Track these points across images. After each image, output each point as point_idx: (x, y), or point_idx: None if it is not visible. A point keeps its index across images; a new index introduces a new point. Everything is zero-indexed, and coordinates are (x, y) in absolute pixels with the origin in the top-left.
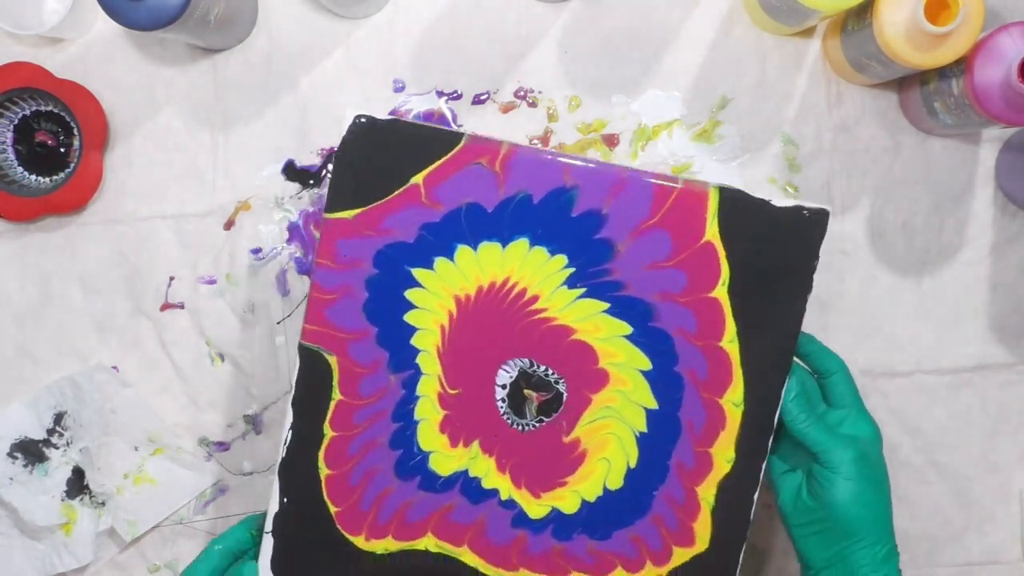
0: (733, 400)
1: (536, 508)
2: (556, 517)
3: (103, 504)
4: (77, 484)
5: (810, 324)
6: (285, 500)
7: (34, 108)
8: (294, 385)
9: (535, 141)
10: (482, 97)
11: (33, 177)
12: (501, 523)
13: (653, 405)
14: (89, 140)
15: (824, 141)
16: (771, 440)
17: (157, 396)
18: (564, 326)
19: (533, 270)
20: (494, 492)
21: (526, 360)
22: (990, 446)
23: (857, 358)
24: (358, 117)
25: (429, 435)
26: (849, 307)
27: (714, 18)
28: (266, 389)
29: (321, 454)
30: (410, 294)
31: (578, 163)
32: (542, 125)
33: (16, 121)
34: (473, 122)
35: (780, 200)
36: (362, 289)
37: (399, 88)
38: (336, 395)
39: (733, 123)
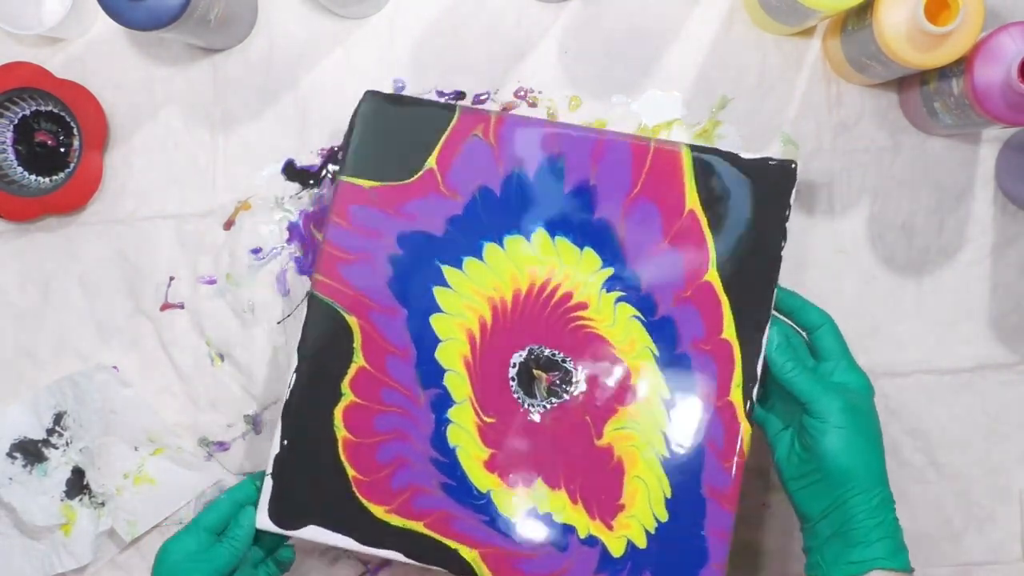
0: (736, 383)
1: (614, 542)
2: (632, 554)
3: (103, 504)
4: (77, 484)
5: None
6: (286, 443)
7: (34, 108)
8: (303, 330)
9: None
10: (482, 97)
11: (33, 177)
12: (587, 565)
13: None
14: (89, 140)
15: (824, 141)
16: (755, 388)
17: (157, 396)
18: (603, 337)
19: (572, 268)
20: (571, 529)
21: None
22: (990, 446)
23: (857, 358)
24: (369, 92)
25: (478, 473)
26: (849, 307)
27: (714, 18)
28: (266, 389)
29: (338, 412)
30: (439, 293)
31: (559, 130)
32: None
33: (16, 121)
34: None
35: (747, 153)
36: (385, 263)
37: (399, 88)
38: (359, 359)
39: (733, 123)
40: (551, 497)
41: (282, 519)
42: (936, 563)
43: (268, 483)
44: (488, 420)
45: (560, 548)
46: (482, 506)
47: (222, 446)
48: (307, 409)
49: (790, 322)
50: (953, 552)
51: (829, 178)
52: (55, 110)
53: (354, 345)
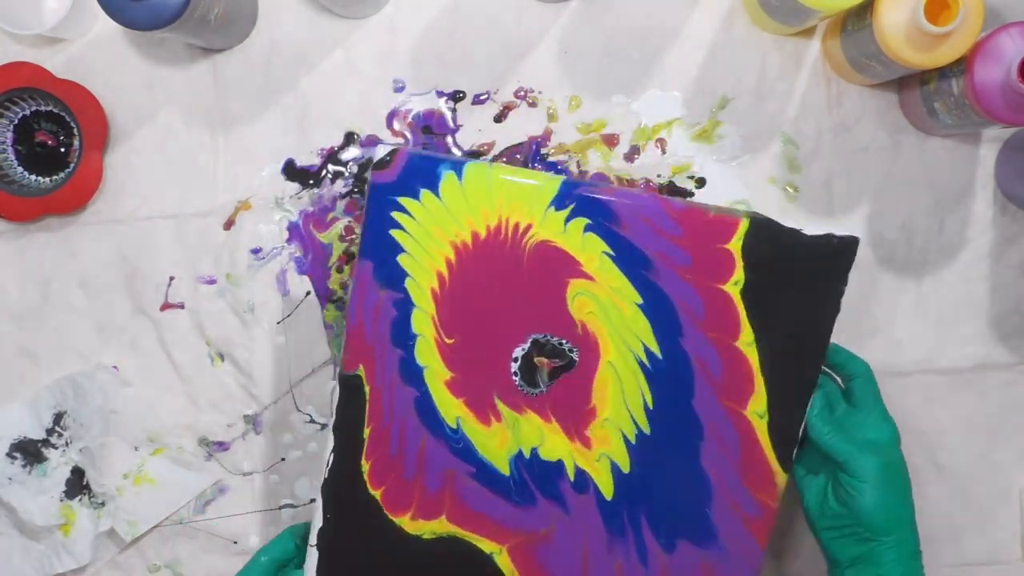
0: (757, 411)
1: (599, 471)
2: (623, 487)
3: (103, 504)
4: (76, 484)
5: None
6: (328, 517)
7: (34, 108)
8: (336, 411)
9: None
10: (482, 97)
11: (33, 177)
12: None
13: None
14: (89, 140)
15: (824, 141)
16: (795, 450)
17: (157, 396)
18: (568, 253)
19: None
20: (560, 469)
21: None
22: (990, 446)
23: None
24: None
25: (445, 399)
26: (849, 307)
27: (714, 18)
28: (266, 389)
29: (363, 458)
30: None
31: (611, 198)
32: (542, 125)
33: (16, 121)
34: (473, 122)
35: (811, 228)
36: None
37: (399, 88)
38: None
39: (733, 123)
40: (525, 425)
41: None
42: (936, 563)
43: (313, 553)
44: (449, 341)
45: (561, 504)
46: (460, 449)
47: (222, 446)
48: (345, 478)
49: (829, 371)
50: (953, 552)
51: (829, 178)
52: (55, 110)
53: (364, 387)
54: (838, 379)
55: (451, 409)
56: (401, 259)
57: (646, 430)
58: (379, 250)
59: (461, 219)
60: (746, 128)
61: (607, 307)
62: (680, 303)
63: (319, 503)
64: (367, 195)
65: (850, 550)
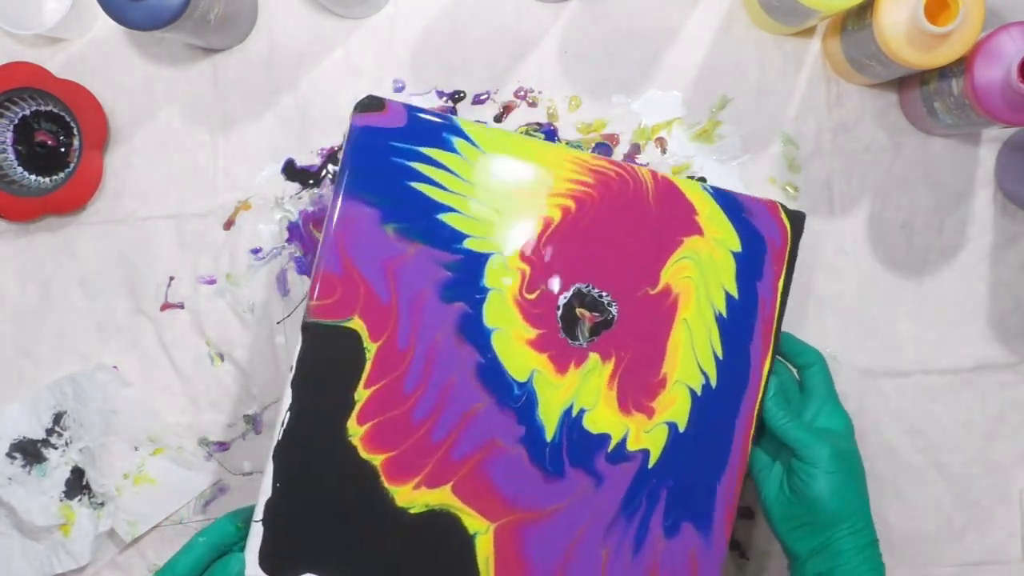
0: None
1: (643, 437)
2: (669, 450)
3: (103, 505)
4: (76, 485)
5: (810, 323)
6: (278, 485)
7: (34, 108)
8: (297, 365)
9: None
10: (482, 97)
11: (33, 177)
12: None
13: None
14: (89, 140)
15: (824, 141)
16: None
17: (157, 396)
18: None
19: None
20: (602, 439)
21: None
22: (990, 446)
23: (857, 358)
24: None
25: (517, 357)
26: (849, 307)
27: (714, 18)
28: (266, 389)
29: (352, 421)
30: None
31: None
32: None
33: (16, 121)
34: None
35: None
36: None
37: (399, 88)
38: (371, 349)
39: (733, 123)
40: (595, 380)
41: (275, 569)
42: (936, 563)
43: (257, 530)
44: (530, 296)
45: (592, 474)
46: (519, 408)
47: (222, 446)
48: (310, 440)
49: (782, 360)
50: (953, 552)
51: (829, 178)
52: (55, 110)
53: (363, 345)
54: (792, 368)
55: (527, 363)
56: (448, 218)
57: (713, 382)
58: (393, 201)
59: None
60: (746, 128)
61: (704, 264)
62: (770, 242)
63: (268, 472)
64: (348, 138)
65: (807, 542)
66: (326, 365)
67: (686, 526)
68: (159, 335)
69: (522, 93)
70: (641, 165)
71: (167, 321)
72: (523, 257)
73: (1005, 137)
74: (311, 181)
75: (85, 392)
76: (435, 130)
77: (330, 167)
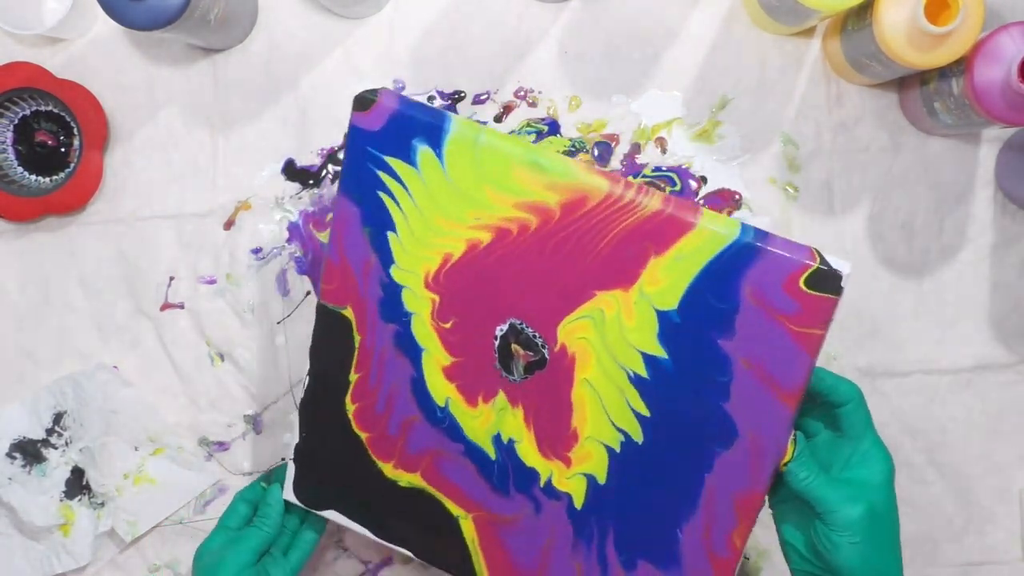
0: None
1: (567, 482)
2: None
3: (103, 505)
4: (76, 484)
5: None
6: (304, 434)
7: (34, 108)
8: (313, 338)
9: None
10: (482, 97)
11: (33, 177)
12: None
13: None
14: (89, 140)
15: (824, 141)
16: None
17: (157, 396)
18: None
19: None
20: (534, 473)
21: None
22: (990, 446)
23: (857, 358)
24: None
25: (437, 382)
26: (849, 307)
27: (714, 18)
28: (266, 389)
29: (348, 397)
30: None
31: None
32: None
33: (16, 121)
34: None
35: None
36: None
37: (399, 88)
38: (356, 340)
39: (733, 123)
40: (510, 418)
41: (306, 500)
42: (936, 563)
43: (291, 468)
44: (446, 325)
45: (533, 502)
46: (446, 428)
47: (222, 446)
48: (323, 403)
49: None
50: (953, 552)
51: (829, 178)
52: (55, 110)
53: (353, 334)
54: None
55: (443, 389)
56: (391, 238)
57: (639, 439)
58: (366, 203)
59: (471, 201)
60: (746, 128)
61: (606, 326)
62: (757, 301)
63: (297, 420)
64: (347, 137)
65: None
66: (331, 344)
67: (643, 564)
68: (159, 335)
69: (522, 93)
70: (661, 192)
71: (167, 321)
72: (428, 286)
73: (1005, 137)
74: (311, 181)
75: (85, 392)
76: (406, 137)
77: (330, 167)
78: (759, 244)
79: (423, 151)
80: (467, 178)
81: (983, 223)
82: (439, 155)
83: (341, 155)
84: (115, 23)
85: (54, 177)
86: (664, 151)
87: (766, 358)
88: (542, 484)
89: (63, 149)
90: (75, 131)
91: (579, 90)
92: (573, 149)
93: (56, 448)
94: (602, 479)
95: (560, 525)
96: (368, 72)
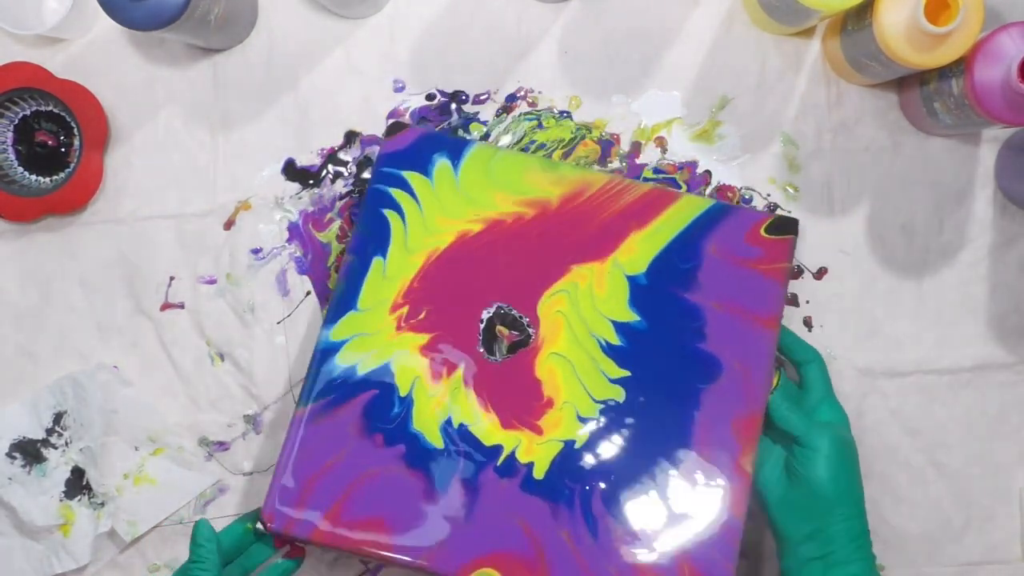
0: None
1: (537, 448)
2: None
3: (103, 505)
4: (76, 485)
5: (811, 323)
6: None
7: (34, 108)
8: None
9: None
10: (482, 97)
11: (33, 177)
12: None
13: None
14: (89, 140)
15: (824, 141)
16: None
17: (157, 396)
18: None
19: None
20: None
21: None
22: (990, 446)
23: (857, 358)
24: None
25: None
26: (849, 307)
27: (714, 18)
28: (266, 389)
29: None
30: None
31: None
32: None
33: (16, 121)
34: None
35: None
36: None
37: (399, 88)
38: None
39: (733, 123)
40: (462, 399)
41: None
42: (936, 563)
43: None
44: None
45: (470, 489)
46: (394, 428)
47: (222, 446)
48: None
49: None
50: (953, 552)
51: (829, 178)
52: (55, 110)
53: None
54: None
55: (410, 375)
56: (373, 267)
57: (621, 399)
58: (369, 222)
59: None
60: (746, 128)
61: (579, 297)
62: (721, 253)
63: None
64: (374, 164)
65: (802, 526)
66: None
67: (642, 511)
68: (159, 335)
69: (522, 93)
70: (631, 179)
71: (167, 321)
72: (396, 306)
73: (1005, 137)
74: (311, 181)
75: (85, 392)
76: (428, 152)
77: (330, 167)
78: (727, 205)
79: (441, 163)
80: (478, 185)
81: (983, 223)
82: (456, 167)
83: (341, 155)
84: (115, 23)
85: (54, 177)
86: (664, 151)
87: (738, 296)
88: (500, 461)
89: (63, 149)
90: (75, 131)
91: (579, 90)
92: (576, 136)
93: (56, 448)
94: (580, 442)
95: (522, 501)
96: (368, 72)
